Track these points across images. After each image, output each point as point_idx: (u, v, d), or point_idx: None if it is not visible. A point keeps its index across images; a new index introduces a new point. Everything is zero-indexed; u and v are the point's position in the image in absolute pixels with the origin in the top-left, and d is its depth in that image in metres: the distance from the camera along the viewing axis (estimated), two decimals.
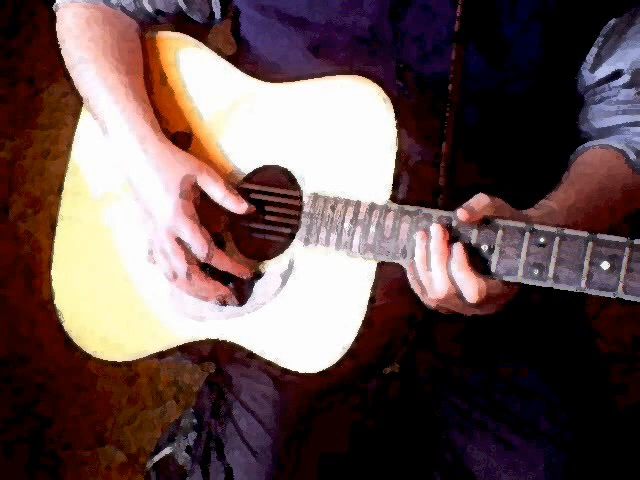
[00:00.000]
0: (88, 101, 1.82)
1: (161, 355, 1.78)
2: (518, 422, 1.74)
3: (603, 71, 1.71)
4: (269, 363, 1.64)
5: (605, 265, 1.36)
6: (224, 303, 1.69)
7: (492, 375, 1.77)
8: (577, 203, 1.61)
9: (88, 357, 1.83)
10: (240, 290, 1.68)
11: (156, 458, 2.05)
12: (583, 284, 1.38)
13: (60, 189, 1.92)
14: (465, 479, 1.77)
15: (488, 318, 1.53)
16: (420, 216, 1.51)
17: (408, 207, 1.53)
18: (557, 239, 1.40)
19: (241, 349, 1.67)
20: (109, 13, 1.86)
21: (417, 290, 1.52)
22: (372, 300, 1.55)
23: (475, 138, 1.68)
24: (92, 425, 2.92)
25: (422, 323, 1.72)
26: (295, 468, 1.75)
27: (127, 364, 1.84)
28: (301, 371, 1.60)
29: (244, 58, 1.83)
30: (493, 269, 1.44)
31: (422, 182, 1.60)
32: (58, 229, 1.89)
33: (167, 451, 2.04)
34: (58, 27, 1.88)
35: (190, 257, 1.67)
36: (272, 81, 1.72)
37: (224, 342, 1.69)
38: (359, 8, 1.68)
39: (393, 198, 1.55)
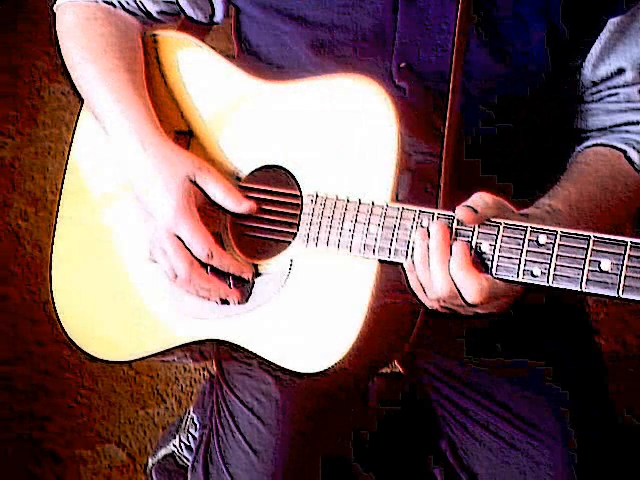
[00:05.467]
0: (88, 101, 1.82)
1: (162, 355, 1.78)
2: (520, 421, 1.74)
3: (605, 69, 1.71)
4: (270, 363, 1.64)
5: (605, 264, 1.36)
6: (225, 303, 1.69)
7: (494, 374, 1.77)
8: (578, 202, 1.61)
9: (88, 357, 1.83)
10: (240, 290, 1.68)
11: (157, 457, 2.05)
12: (583, 283, 1.38)
13: (61, 188, 1.91)
14: (467, 478, 1.77)
15: (489, 317, 1.53)
16: (420, 215, 1.51)
17: (408, 206, 1.52)
18: (557, 238, 1.40)
19: (242, 349, 1.67)
20: (110, 12, 1.85)
21: (418, 289, 1.52)
22: (373, 300, 1.55)
23: (476, 137, 1.68)
24: (93, 424, 2.92)
25: (423, 322, 1.72)
26: (296, 468, 1.75)
27: (128, 363, 1.84)
28: (302, 371, 1.60)
29: (245, 57, 1.83)
30: (493, 268, 1.44)
31: (422, 181, 1.60)
32: (58, 229, 1.89)
33: (168, 450, 2.04)
34: (58, 26, 1.88)
35: (190, 257, 1.67)
36: (273, 80, 1.72)
37: (225, 342, 1.69)
38: (360, 7, 1.68)
39: (393, 198, 1.55)
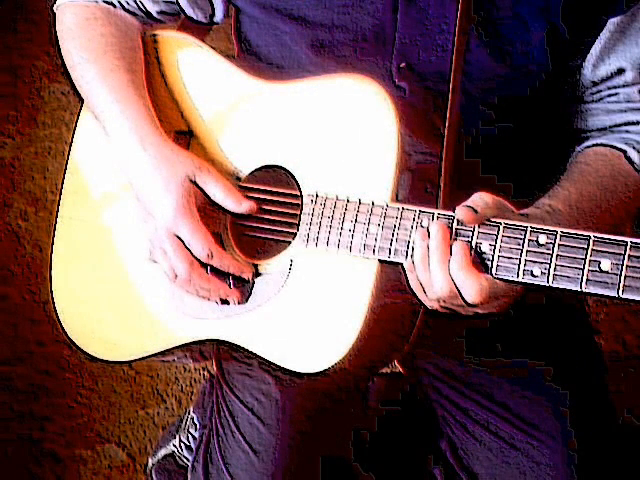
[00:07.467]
0: (88, 101, 1.82)
1: (162, 355, 1.78)
2: (520, 421, 1.74)
3: (605, 69, 1.71)
4: (270, 363, 1.64)
5: (605, 264, 1.36)
6: (225, 303, 1.69)
7: (494, 374, 1.77)
8: (578, 202, 1.61)
9: (88, 357, 1.83)
10: (240, 290, 1.68)
11: (157, 457, 2.05)
12: (583, 283, 1.38)
13: (61, 188, 1.91)
14: (467, 478, 1.77)
15: (489, 317, 1.53)
16: (420, 215, 1.51)
17: (408, 206, 1.52)
18: (557, 238, 1.40)
19: (242, 349, 1.67)
20: (110, 12, 1.85)
21: (418, 289, 1.52)
22: (373, 300, 1.55)
23: (476, 137, 1.68)
24: (93, 424, 2.92)
25: (423, 322, 1.72)
26: (296, 468, 1.75)
27: (128, 363, 1.84)
28: (302, 371, 1.60)
29: (245, 58, 1.83)
30: (493, 268, 1.44)
31: (422, 181, 1.60)
32: (58, 229, 1.89)
33: (168, 450, 2.04)
34: (58, 26, 1.88)
35: (190, 257, 1.67)
36: (273, 81, 1.72)
37: (225, 342, 1.69)
38: (360, 7, 1.68)
39: (393, 198, 1.55)
